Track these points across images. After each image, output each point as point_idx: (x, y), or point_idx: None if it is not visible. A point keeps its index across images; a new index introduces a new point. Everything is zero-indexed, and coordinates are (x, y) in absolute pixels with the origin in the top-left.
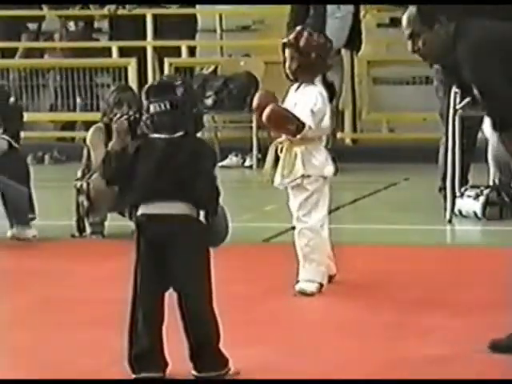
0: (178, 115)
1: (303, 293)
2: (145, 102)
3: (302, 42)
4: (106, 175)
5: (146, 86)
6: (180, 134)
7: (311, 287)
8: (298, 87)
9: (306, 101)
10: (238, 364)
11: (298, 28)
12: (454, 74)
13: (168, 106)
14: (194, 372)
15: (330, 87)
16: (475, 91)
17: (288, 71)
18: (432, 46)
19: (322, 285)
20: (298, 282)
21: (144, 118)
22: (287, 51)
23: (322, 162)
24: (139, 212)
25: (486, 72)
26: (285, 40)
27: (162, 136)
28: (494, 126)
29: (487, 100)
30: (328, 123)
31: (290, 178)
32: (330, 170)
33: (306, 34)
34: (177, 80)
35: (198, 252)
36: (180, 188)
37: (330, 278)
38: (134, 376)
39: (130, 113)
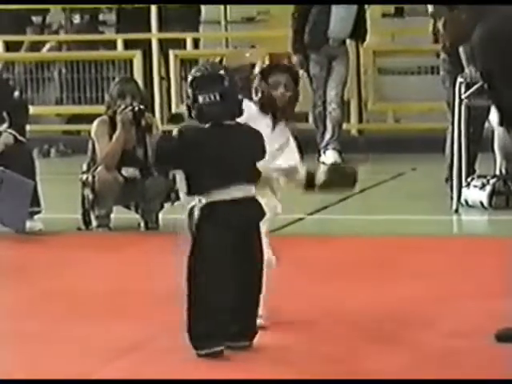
0: (226, 105)
1: None
2: (190, 92)
3: (296, 69)
4: (160, 160)
5: (192, 77)
6: (230, 121)
7: None
8: (276, 124)
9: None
10: None
11: (286, 52)
12: (460, 63)
13: (218, 98)
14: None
15: None
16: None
17: (280, 100)
18: (451, 29)
19: None
20: None
21: (187, 107)
22: (282, 76)
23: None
24: (209, 199)
25: (494, 62)
26: (274, 62)
27: (221, 123)
28: (501, 122)
29: (493, 92)
30: None
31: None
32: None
33: (290, 58)
34: (221, 69)
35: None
36: (246, 171)
37: None
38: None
39: (134, 104)
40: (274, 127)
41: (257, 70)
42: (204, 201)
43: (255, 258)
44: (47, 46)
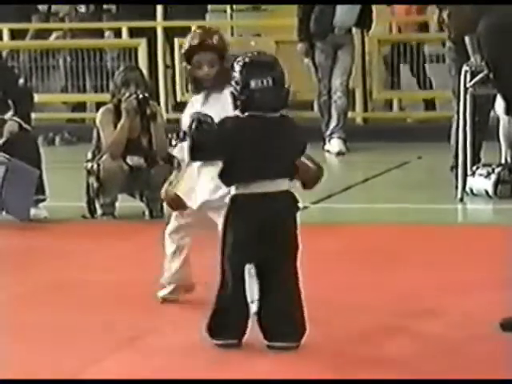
0: (278, 92)
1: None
2: (240, 77)
3: (221, 44)
4: (197, 155)
5: (243, 62)
6: (278, 113)
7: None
8: (208, 97)
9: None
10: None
11: (211, 28)
12: (466, 52)
13: (271, 83)
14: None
15: None
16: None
17: (204, 78)
18: (455, 19)
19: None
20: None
21: (238, 94)
22: (205, 55)
23: None
24: (244, 190)
25: (500, 53)
26: (197, 41)
27: (267, 114)
28: (507, 110)
29: (499, 82)
30: None
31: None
32: None
33: (218, 34)
34: (271, 57)
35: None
36: (287, 165)
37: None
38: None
39: (139, 92)
40: (205, 102)
41: (182, 51)
42: (234, 191)
43: (283, 249)
44: (54, 35)
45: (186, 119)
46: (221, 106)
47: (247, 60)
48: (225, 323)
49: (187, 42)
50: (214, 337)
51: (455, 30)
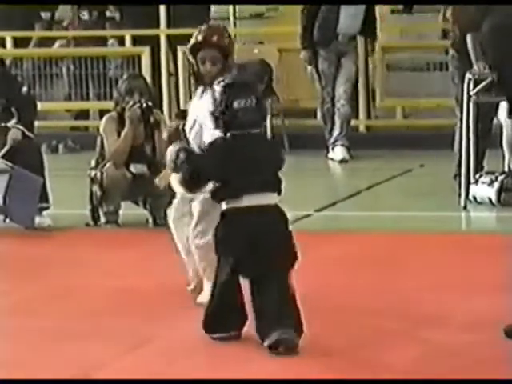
0: (260, 110)
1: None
2: (223, 98)
3: (226, 42)
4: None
5: (225, 84)
6: (257, 130)
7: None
8: (204, 92)
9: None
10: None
11: (218, 26)
12: (469, 60)
13: (254, 102)
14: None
15: None
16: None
17: (206, 75)
18: (460, 18)
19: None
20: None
21: (221, 114)
22: (208, 52)
23: None
24: (235, 204)
25: (503, 54)
26: (202, 38)
27: (252, 131)
28: (509, 113)
29: (502, 83)
30: None
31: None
32: None
33: (225, 32)
34: (252, 77)
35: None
36: (272, 179)
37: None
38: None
39: (142, 101)
40: (201, 96)
41: (188, 45)
42: (225, 206)
43: (275, 259)
44: (57, 43)
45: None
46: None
47: (229, 81)
48: (221, 316)
49: (193, 37)
50: (212, 332)
51: (459, 28)
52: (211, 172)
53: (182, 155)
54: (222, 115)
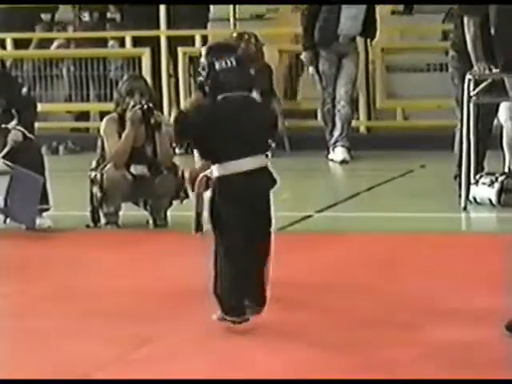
0: (241, 72)
1: None
2: (206, 61)
3: (252, 48)
4: (181, 134)
5: (208, 47)
6: (245, 92)
7: None
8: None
9: None
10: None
11: (244, 32)
12: (469, 60)
13: (234, 63)
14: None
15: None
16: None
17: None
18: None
19: None
20: None
21: (204, 77)
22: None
23: None
24: (222, 171)
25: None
26: (225, 43)
27: (235, 94)
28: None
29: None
30: None
31: None
32: None
33: (254, 38)
34: (233, 42)
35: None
36: (260, 142)
37: None
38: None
39: (143, 102)
40: None
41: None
42: (217, 173)
43: (266, 225)
44: (55, 43)
45: None
46: None
47: (211, 45)
48: (242, 298)
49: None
50: (237, 315)
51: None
52: (192, 129)
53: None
54: (207, 78)
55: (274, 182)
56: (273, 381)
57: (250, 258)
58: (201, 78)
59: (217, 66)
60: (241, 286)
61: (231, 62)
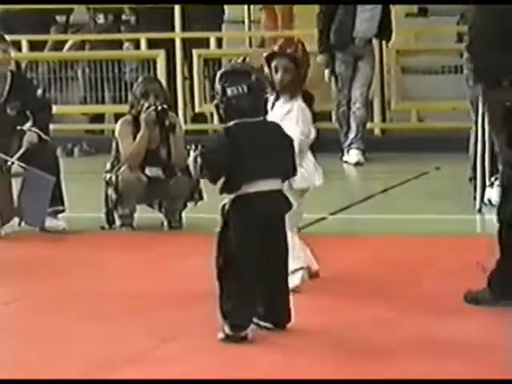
0: (254, 98)
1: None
2: (219, 86)
3: (299, 53)
4: (209, 176)
5: (222, 72)
6: (258, 118)
7: (294, 280)
8: (276, 101)
9: (293, 124)
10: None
11: (293, 37)
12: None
13: (246, 90)
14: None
15: (309, 99)
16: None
17: (278, 82)
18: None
19: (304, 268)
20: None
21: (215, 105)
22: (281, 61)
23: (311, 172)
24: (240, 192)
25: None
26: (276, 49)
27: (249, 120)
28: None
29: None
30: (313, 133)
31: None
32: (318, 180)
33: (300, 44)
34: (248, 66)
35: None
36: (275, 166)
37: (314, 274)
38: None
39: (158, 104)
40: (273, 104)
41: (263, 55)
42: (234, 194)
43: (281, 249)
44: (69, 43)
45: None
46: (283, 114)
47: (225, 70)
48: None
49: (270, 48)
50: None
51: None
52: (220, 166)
53: (199, 160)
54: (221, 103)
55: (289, 206)
56: (274, 381)
57: (264, 278)
58: (216, 102)
59: (228, 92)
60: (250, 307)
61: (243, 89)
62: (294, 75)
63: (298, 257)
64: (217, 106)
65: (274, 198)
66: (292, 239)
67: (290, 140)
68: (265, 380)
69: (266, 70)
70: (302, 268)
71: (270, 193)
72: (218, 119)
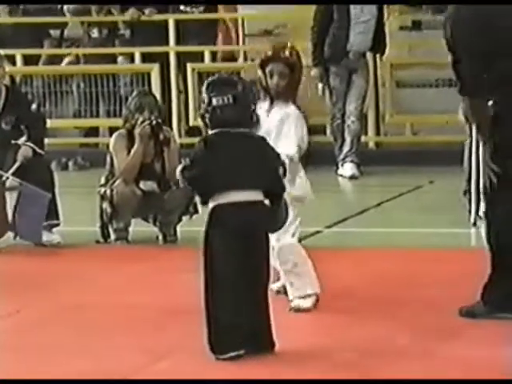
0: (238, 108)
1: (299, 310)
2: (205, 96)
3: (293, 58)
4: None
5: (208, 81)
6: (243, 129)
7: (306, 303)
8: (271, 106)
9: (291, 129)
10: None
11: (286, 43)
12: None
13: (231, 100)
14: None
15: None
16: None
17: (274, 88)
18: None
19: (317, 295)
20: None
21: (203, 111)
22: (276, 66)
23: (303, 182)
24: (216, 202)
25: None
26: (271, 54)
27: (231, 130)
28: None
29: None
30: (306, 142)
31: None
32: (310, 192)
33: (295, 50)
34: (235, 77)
35: (267, 237)
36: (254, 177)
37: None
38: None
39: (152, 118)
40: (269, 110)
41: (257, 61)
42: (211, 205)
43: (261, 264)
44: (66, 59)
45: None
46: (279, 119)
47: (212, 80)
48: (230, 337)
49: (263, 52)
50: (221, 353)
51: None
52: (198, 178)
53: (183, 174)
54: (206, 113)
55: (269, 218)
56: (275, 381)
57: (244, 290)
58: (201, 111)
59: (214, 101)
60: (234, 329)
61: (228, 99)
62: (289, 80)
63: (310, 282)
64: (202, 116)
65: (251, 209)
66: (295, 248)
67: (275, 154)
68: (265, 380)
69: (261, 75)
70: (315, 294)
71: (246, 204)
72: (204, 129)
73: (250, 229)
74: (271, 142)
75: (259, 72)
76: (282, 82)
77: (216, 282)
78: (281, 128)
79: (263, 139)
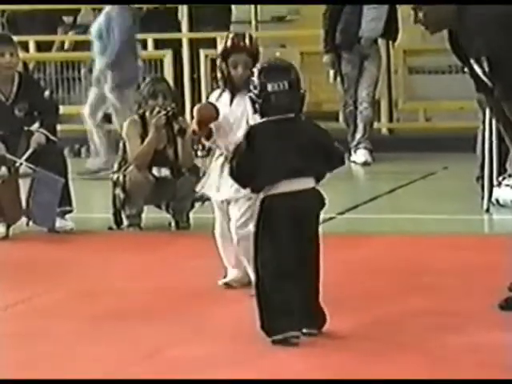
0: (293, 95)
1: None
2: (258, 82)
3: (255, 48)
4: (239, 178)
5: (261, 67)
6: (292, 114)
7: None
8: (233, 97)
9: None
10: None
11: (244, 33)
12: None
13: (286, 86)
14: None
15: None
16: (483, 63)
17: (238, 79)
18: (432, 17)
19: None
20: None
21: (256, 97)
22: (239, 56)
23: None
24: (272, 191)
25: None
26: (230, 44)
27: (282, 116)
28: (501, 95)
29: (497, 68)
30: None
31: (235, 192)
32: None
33: (252, 38)
34: (288, 63)
35: (317, 220)
36: (309, 164)
37: None
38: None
39: (168, 108)
40: (231, 102)
41: (218, 51)
42: (262, 195)
43: (313, 248)
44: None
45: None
46: (244, 108)
47: (265, 65)
48: (285, 319)
49: (223, 43)
50: (277, 334)
51: (432, 26)
52: (248, 166)
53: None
54: (257, 98)
55: (323, 203)
56: (276, 381)
57: (297, 280)
58: (251, 96)
59: (269, 87)
60: (288, 311)
61: (283, 85)
62: (252, 70)
63: None
64: (252, 100)
65: (302, 197)
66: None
67: (324, 132)
68: (265, 380)
69: (223, 66)
70: None
71: (297, 193)
72: (253, 112)
73: (302, 215)
74: (237, 134)
75: (220, 63)
76: (246, 73)
77: (267, 268)
78: (244, 119)
79: (310, 121)
